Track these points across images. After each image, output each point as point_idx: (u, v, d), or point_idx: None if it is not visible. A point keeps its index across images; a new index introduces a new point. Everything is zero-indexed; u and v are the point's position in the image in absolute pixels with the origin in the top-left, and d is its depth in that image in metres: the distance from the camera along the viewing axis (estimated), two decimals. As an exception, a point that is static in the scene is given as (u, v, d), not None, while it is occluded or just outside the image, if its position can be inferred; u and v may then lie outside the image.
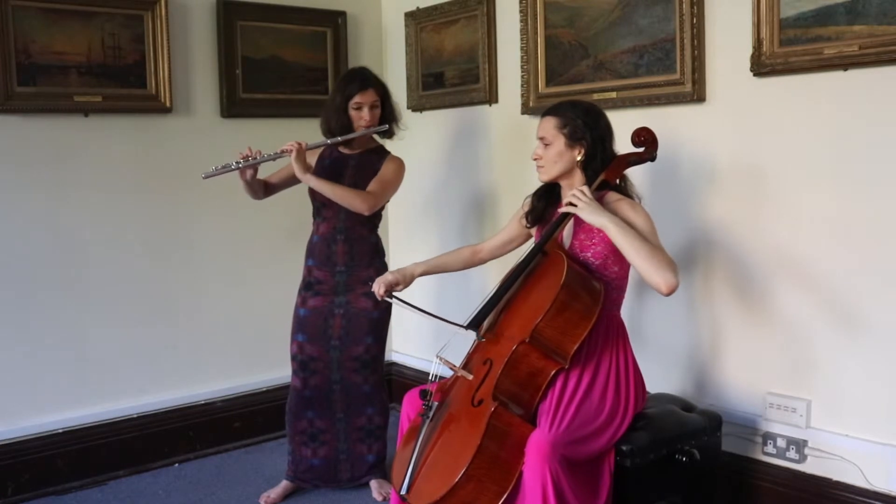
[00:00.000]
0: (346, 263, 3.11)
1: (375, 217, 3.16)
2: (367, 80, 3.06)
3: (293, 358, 3.19)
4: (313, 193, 3.11)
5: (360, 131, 3.04)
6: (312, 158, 3.12)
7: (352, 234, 3.10)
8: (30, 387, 3.27)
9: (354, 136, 3.04)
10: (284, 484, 3.22)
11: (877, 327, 2.46)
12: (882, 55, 2.34)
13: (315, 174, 2.99)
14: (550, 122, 2.37)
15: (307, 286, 3.18)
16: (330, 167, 3.11)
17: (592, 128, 2.35)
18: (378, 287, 2.56)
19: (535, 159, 2.42)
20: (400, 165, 3.14)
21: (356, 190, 3.01)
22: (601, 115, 2.40)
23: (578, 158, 2.36)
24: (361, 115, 3.04)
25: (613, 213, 2.28)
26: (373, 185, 3.04)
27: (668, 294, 2.14)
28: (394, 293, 2.56)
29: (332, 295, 3.13)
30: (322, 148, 3.14)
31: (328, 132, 3.09)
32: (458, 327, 2.29)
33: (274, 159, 2.96)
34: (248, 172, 2.99)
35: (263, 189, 3.16)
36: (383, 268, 3.17)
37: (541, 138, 2.39)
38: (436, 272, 2.72)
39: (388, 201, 3.17)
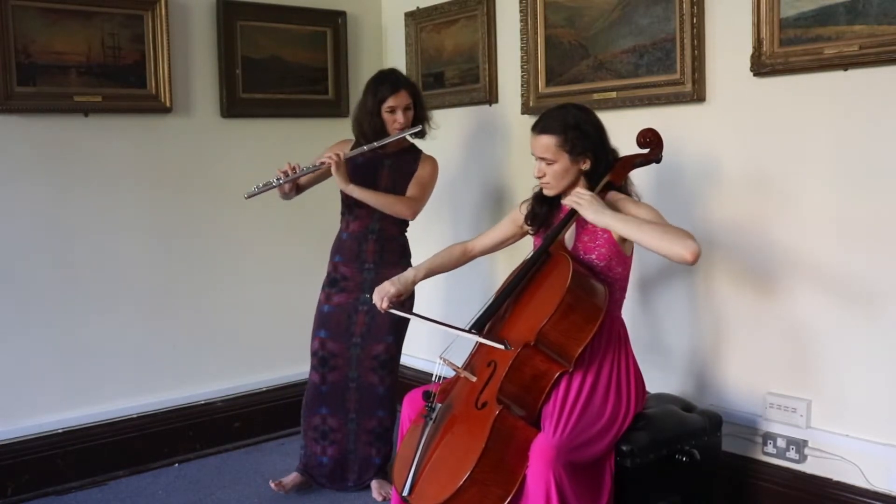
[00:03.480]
0: (376, 262, 3.13)
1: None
2: (399, 82, 3.05)
3: (313, 354, 3.21)
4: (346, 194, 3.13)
5: (395, 135, 3.03)
6: (347, 151, 3.12)
7: (383, 234, 3.13)
8: (30, 387, 3.27)
9: (390, 139, 3.03)
10: (294, 475, 3.25)
11: (877, 327, 2.46)
12: (882, 55, 2.34)
13: (350, 173, 3.01)
14: (550, 141, 2.31)
15: (332, 282, 3.20)
16: (364, 167, 3.11)
17: (591, 136, 2.32)
18: (380, 301, 2.48)
19: (540, 177, 2.37)
20: (435, 165, 3.16)
21: (398, 196, 3.05)
22: (592, 118, 2.36)
23: (585, 168, 2.35)
24: (395, 117, 3.03)
25: (616, 210, 2.27)
26: (413, 190, 3.07)
27: (695, 261, 2.09)
28: (394, 306, 2.49)
29: (357, 292, 3.15)
30: (354, 141, 3.15)
31: (361, 136, 3.09)
32: (464, 333, 2.26)
33: (313, 172, 2.99)
34: (287, 187, 3.01)
35: (295, 189, 3.15)
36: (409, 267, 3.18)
37: (542, 158, 2.34)
38: (433, 275, 2.66)
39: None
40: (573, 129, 2.30)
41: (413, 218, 3.08)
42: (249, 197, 2.92)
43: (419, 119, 3.10)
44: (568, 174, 2.34)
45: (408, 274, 2.58)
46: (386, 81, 3.06)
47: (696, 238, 2.13)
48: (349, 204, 3.16)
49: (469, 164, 3.79)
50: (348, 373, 3.16)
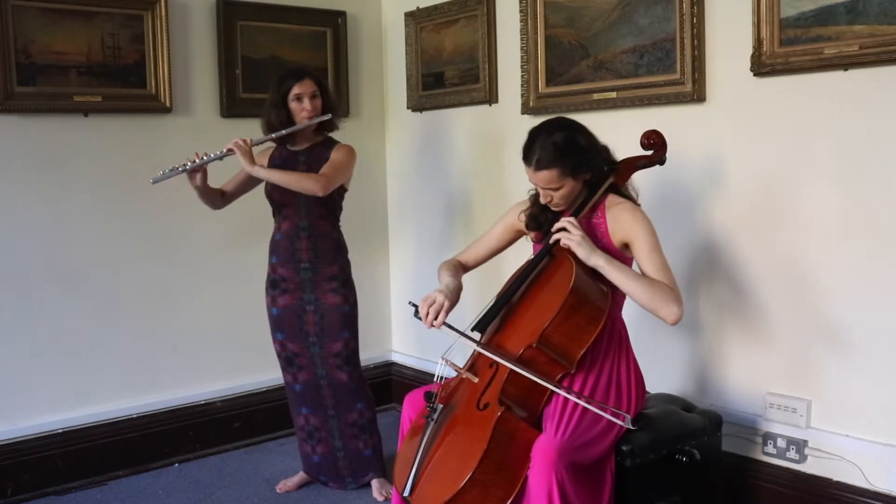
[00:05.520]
0: (311, 260, 3.11)
1: (336, 209, 3.16)
2: (303, 71, 3.05)
3: (278, 356, 3.24)
4: (270, 194, 3.11)
5: (303, 122, 3.02)
6: (263, 160, 3.10)
7: (315, 230, 3.10)
8: (30, 387, 3.27)
9: (299, 127, 3.02)
10: (300, 475, 3.31)
11: (877, 327, 2.46)
12: (882, 55, 2.34)
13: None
14: (551, 175, 2.26)
15: (273, 284, 3.19)
16: (281, 166, 3.09)
17: (586, 150, 2.30)
18: (434, 315, 2.30)
19: (548, 202, 2.34)
20: (350, 151, 3.11)
21: (307, 173, 2.99)
22: (581, 130, 2.32)
23: (587, 179, 2.33)
24: (303, 105, 3.01)
25: (616, 219, 2.30)
26: (325, 168, 3.01)
27: (674, 325, 2.20)
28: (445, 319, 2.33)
29: (299, 292, 3.14)
30: (271, 147, 3.14)
31: (270, 130, 3.06)
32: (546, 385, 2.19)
33: (221, 158, 2.94)
34: (198, 178, 2.97)
35: (220, 197, 3.15)
36: (347, 264, 3.18)
37: (547, 187, 2.30)
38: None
39: (343, 185, 3.12)
40: (569, 152, 2.26)
41: (323, 193, 2.93)
42: (156, 182, 2.90)
43: (328, 108, 3.07)
44: (575, 190, 2.33)
45: (453, 281, 2.42)
46: (290, 72, 3.06)
47: (682, 295, 2.23)
48: (277, 205, 3.14)
49: (469, 163, 3.79)
50: (316, 371, 3.18)
